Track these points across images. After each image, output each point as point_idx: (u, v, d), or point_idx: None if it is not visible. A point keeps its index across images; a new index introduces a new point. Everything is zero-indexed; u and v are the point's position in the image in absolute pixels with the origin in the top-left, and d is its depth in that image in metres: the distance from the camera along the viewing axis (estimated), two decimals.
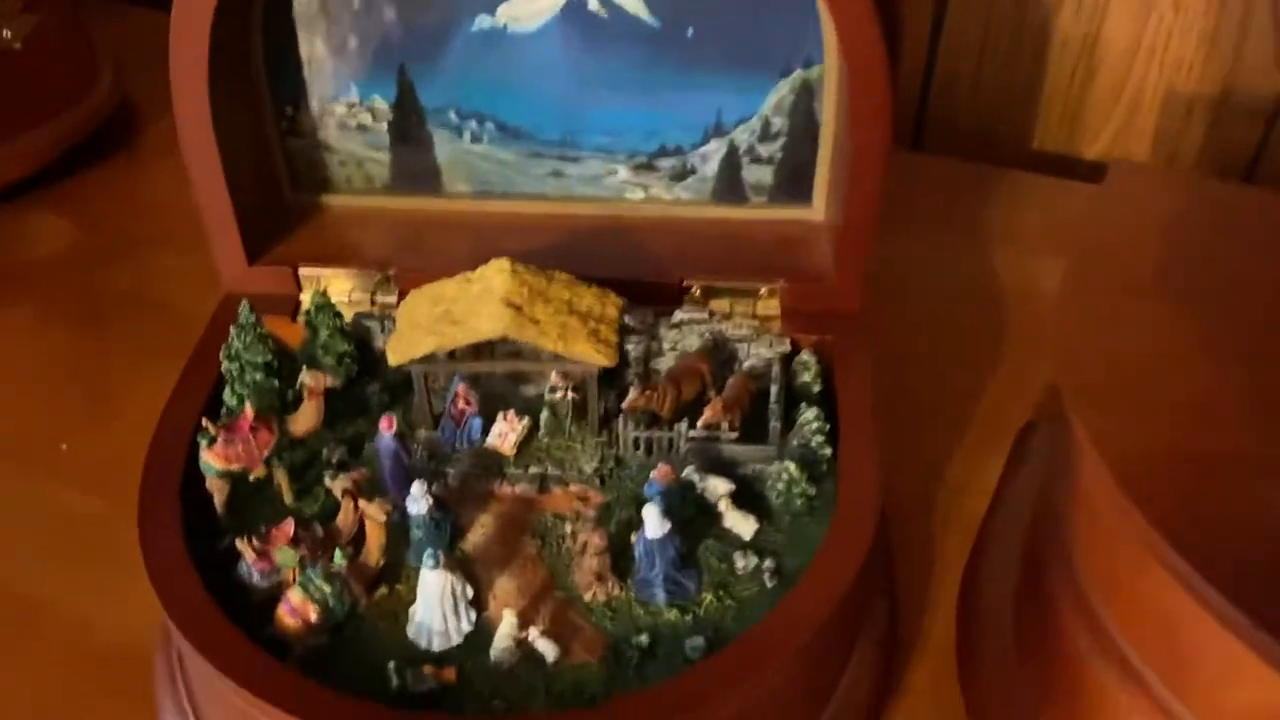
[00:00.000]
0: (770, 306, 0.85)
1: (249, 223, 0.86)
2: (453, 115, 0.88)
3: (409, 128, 0.89)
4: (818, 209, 0.90)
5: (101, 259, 1.15)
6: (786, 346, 0.83)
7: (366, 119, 0.89)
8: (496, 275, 0.78)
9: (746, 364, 0.83)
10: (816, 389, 0.81)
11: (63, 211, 1.20)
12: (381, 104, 0.88)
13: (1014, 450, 0.93)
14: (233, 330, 0.79)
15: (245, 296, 0.83)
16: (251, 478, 0.74)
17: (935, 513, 0.91)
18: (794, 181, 0.89)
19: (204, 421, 0.74)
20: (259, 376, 0.79)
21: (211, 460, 0.73)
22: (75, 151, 1.23)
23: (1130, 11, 1.21)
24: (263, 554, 0.69)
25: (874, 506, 0.71)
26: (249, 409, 0.75)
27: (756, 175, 0.89)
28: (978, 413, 0.99)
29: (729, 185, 0.89)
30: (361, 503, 0.70)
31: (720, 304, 0.86)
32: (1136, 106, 1.27)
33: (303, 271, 0.87)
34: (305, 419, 0.76)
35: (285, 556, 0.68)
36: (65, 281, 1.12)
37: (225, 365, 0.79)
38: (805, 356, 0.82)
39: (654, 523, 0.68)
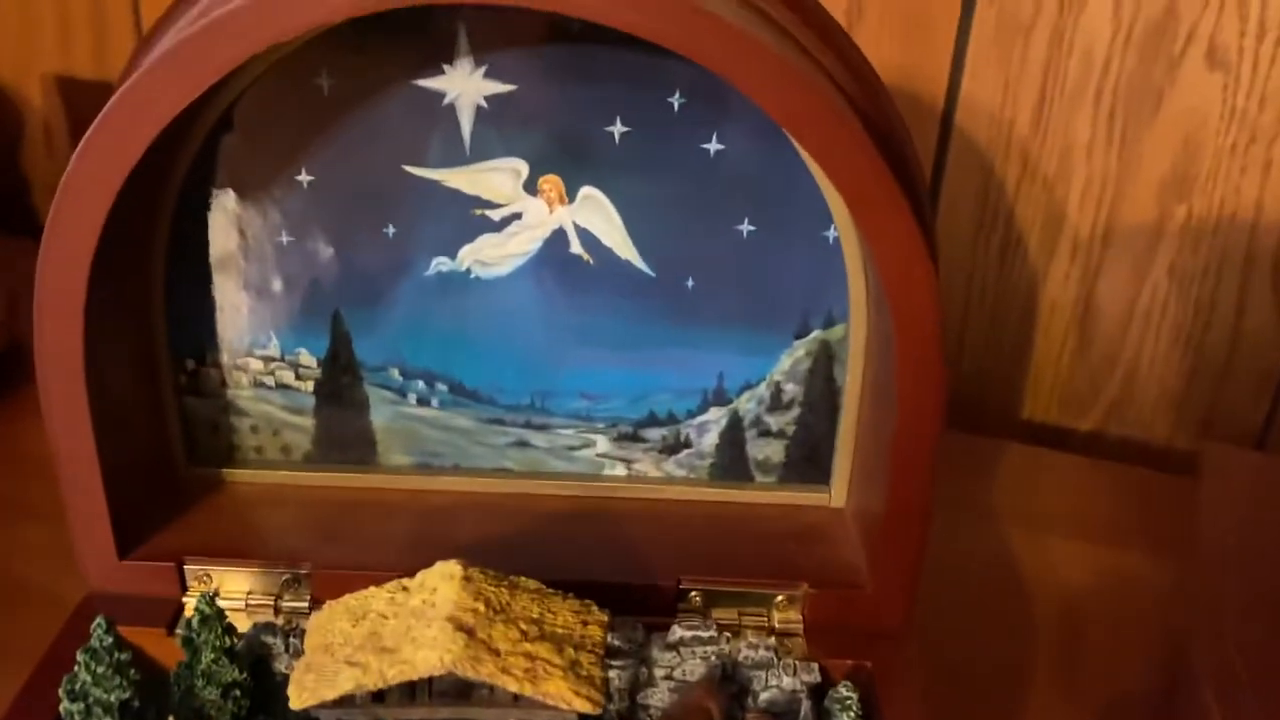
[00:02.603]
0: (789, 618, 0.64)
1: (125, 505, 0.64)
2: (396, 374, 0.68)
3: (340, 388, 0.69)
4: (837, 494, 0.70)
5: None
6: (816, 675, 0.61)
7: (288, 376, 0.68)
8: (443, 584, 0.56)
9: (764, 696, 0.61)
10: None
11: None
12: (308, 359, 0.68)
13: None
14: (80, 657, 0.55)
15: (111, 600, 0.60)
16: None
17: None
18: (809, 460, 0.70)
19: None
20: None
21: None
22: None
23: (1123, 277, 1.09)
24: None
25: None
26: None
27: (764, 451, 0.70)
28: None
29: (731, 462, 0.70)
30: None
31: (725, 613, 0.64)
32: (1133, 377, 1.13)
33: (190, 567, 0.64)
34: None
35: None
36: None
37: (65, 706, 0.55)
38: (844, 692, 0.60)
39: None
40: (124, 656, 0.56)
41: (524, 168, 0.62)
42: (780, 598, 0.64)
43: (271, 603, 0.64)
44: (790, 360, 0.67)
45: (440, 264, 0.65)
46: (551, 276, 0.65)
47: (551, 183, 0.63)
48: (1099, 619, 0.86)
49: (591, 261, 0.65)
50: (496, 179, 0.63)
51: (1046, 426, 1.16)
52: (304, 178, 0.63)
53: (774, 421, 0.69)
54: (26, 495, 0.94)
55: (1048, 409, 1.17)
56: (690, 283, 0.65)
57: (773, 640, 0.63)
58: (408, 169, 0.63)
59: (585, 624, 0.57)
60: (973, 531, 0.96)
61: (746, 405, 0.69)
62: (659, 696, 0.61)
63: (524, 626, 0.55)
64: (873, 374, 0.65)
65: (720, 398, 0.69)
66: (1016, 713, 0.78)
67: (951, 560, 0.92)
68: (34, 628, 0.64)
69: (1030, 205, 1.07)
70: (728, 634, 0.62)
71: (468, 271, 0.65)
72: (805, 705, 0.59)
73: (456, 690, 0.56)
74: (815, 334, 0.66)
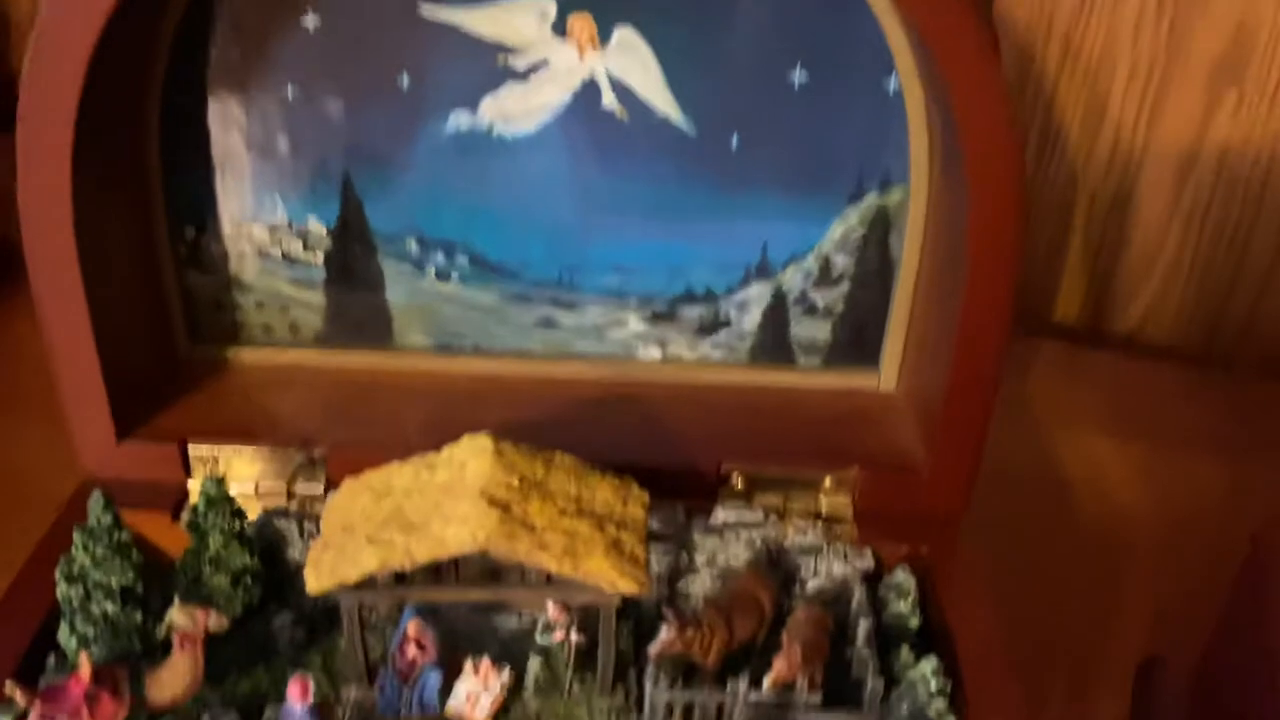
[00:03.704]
0: (838, 503, 0.60)
1: (123, 384, 0.59)
2: (413, 245, 0.63)
3: (353, 260, 0.63)
4: (886, 376, 0.65)
5: None
6: (869, 561, 0.57)
7: (296, 247, 0.63)
8: (473, 458, 0.51)
9: (812, 584, 0.57)
10: (914, 623, 0.54)
11: None
12: (318, 227, 0.62)
13: (1137, 696, 0.67)
14: (77, 537, 0.50)
15: (111, 486, 0.55)
16: None
17: None
18: (856, 341, 0.64)
19: (9, 685, 0.44)
20: (111, 607, 0.50)
21: None
22: None
23: (1167, 170, 1.02)
24: None
25: None
26: (86, 663, 0.45)
27: (809, 330, 0.64)
28: (1063, 643, 0.73)
29: (773, 342, 0.65)
30: None
31: (770, 499, 0.59)
32: (1173, 277, 1.07)
33: (194, 450, 0.59)
34: (174, 679, 0.48)
35: None
36: None
37: (63, 589, 0.50)
38: (900, 577, 0.55)
39: None
40: (124, 536, 0.51)
41: (551, 6, 0.56)
42: (828, 481, 0.59)
43: (284, 488, 0.60)
44: (842, 229, 0.62)
45: (459, 119, 0.59)
46: (581, 135, 0.59)
47: (582, 22, 0.56)
48: (1144, 517, 0.82)
49: (625, 117, 0.59)
50: (521, 19, 0.56)
51: (1080, 328, 1.11)
52: (309, 22, 0.57)
53: (821, 298, 0.63)
54: (24, 391, 0.89)
55: (1082, 310, 1.11)
56: (735, 141, 0.59)
57: (820, 524, 0.58)
58: (424, 9, 0.56)
59: (625, 502, 0.52)
60: (1009, 428, 0.91)
61: (792, 280, 0.63)
62: (700, 583, 0.56)
63: (561, 503, 0.50)
64: (933, 243, 0.60)
65: (764, 271, 0.63)
66: (1063, 615, 0.74)
67: (991, 457, 0.87)
68: (32, 527, 0.59)
69: (1071, 93, 1.00)
70: (774, 516, 0.58)
71: (489, 129, 0.59)
72: (858, 592, 0.55)
73: (486, 573, 0.51)
74: (870, 198, 0.61)
